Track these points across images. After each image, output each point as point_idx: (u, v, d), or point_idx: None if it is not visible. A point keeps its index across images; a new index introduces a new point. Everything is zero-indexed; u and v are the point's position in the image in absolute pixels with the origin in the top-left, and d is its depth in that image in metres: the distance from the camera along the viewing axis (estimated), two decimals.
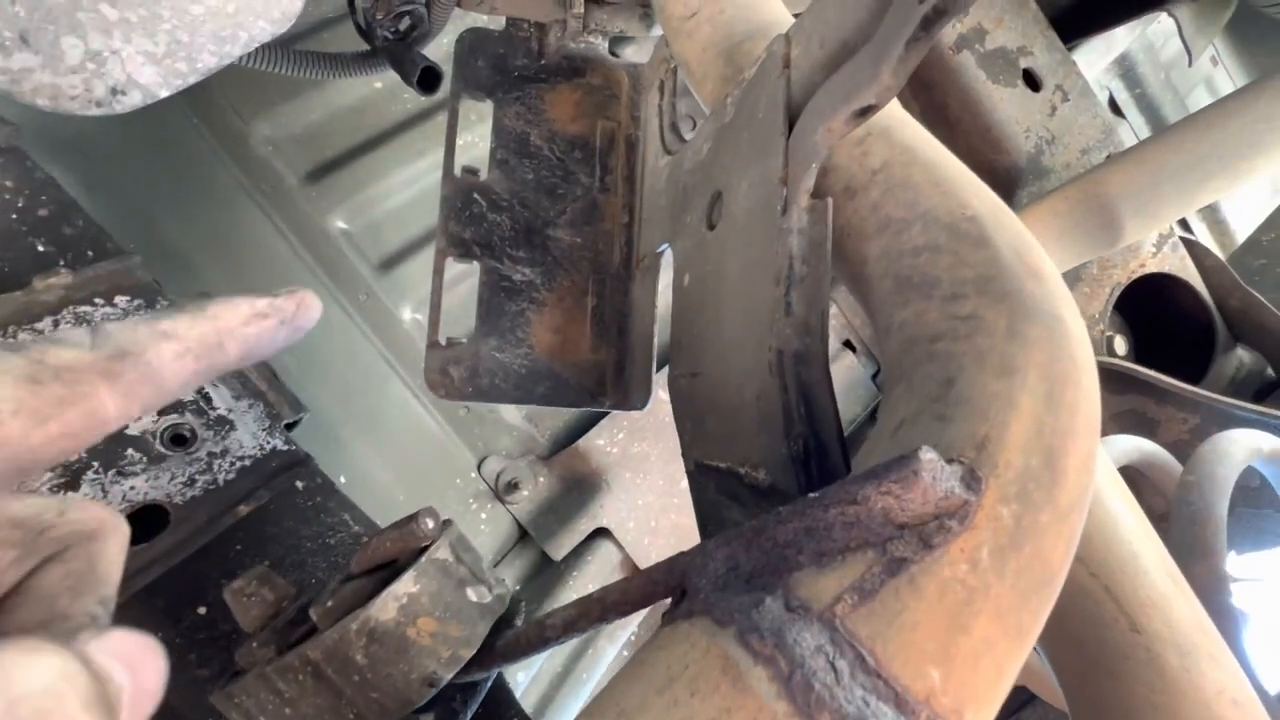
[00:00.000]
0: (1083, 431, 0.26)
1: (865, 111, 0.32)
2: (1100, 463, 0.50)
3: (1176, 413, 0.83)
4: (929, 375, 0.29)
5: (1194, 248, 0.97)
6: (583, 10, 0.66)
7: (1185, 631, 0.38)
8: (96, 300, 0.47)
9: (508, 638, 0.31)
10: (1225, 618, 0.51)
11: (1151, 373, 0.80)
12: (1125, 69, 1.61)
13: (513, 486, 0.90)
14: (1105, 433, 0.95)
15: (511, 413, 0.96)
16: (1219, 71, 1.76)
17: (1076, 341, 0.29)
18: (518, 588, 0.88)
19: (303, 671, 0.30)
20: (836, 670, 0.21)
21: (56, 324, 0.45)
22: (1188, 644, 0.37)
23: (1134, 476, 0.79)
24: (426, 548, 0.31)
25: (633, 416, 0.98)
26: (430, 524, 0.31)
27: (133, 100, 0.45)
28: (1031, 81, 0.92)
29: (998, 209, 0.34)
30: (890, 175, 0.37)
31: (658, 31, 0.70)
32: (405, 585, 0.29)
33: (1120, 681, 0.37)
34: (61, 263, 0.51)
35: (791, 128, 0.37)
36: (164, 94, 0.46)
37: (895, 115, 0.40)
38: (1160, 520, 0.74)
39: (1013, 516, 0.24)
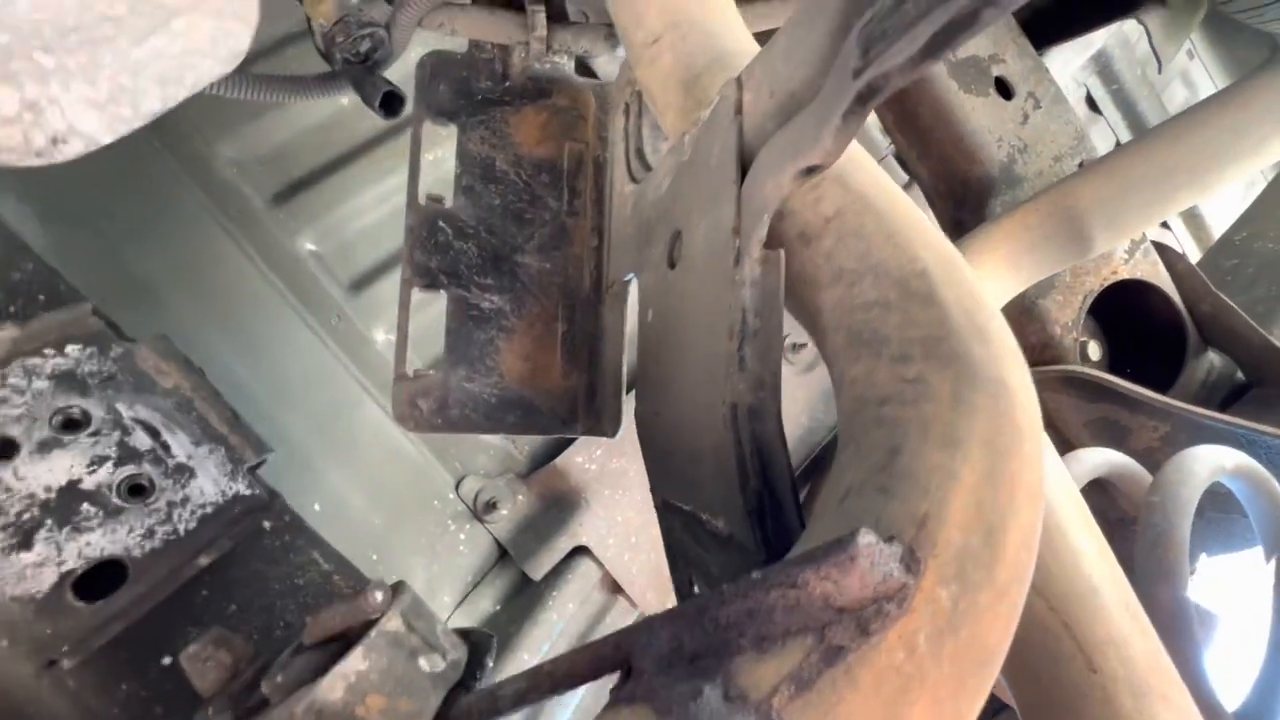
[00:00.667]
0: (1024, 505, 0.27)
1: (811, 170, 0.31)
2: (1065, 489, 0.51)
3: (1148, 420, 0.83)
4: (876, 442, 0.29)
5: (1166, 252, 0.98)
6: (546, 32, 0.65)
7: (1140, 672, 0.38)
8: (46, 351, 0.46)
9: (459, 708, 0.31)
10: (1185, 639, 0.52)
11: (1122, 382, 0.81)
12: (1101, 65, 1.61)
13: (491, 506, 0.90)
14: (1078, 440, 0.96)
15: None
16: (1195, 65, 1.77)
17: (1020, 408, 0.29)
18: (497, 608, 0.88)
19: None
20: None
21: (3, 378, 0.44)
22: (1142, 685, 0.38)
23: (1105, 485, 0.80)
24: (376, 620, 0.30)
25: None
26: (379, 596, 0.30)
27: (74, 148, 0.44)
28: (1004, 89, 0.92)
29: (948, 262, 0.34)
30: (843, 224, 0.37)
31: (622, 52, 0.69)
32: (354, 663, 0.28)
33: (1077, 719, 0.38)
34: (11, 308, 0.50)
35: (744, 175, 0.37)
36: (107, 140, 0.45)
37: (851, 158, 0.40)
38: (1130, 525, 0.75)
39: (950, 599, 0.24)
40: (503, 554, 0.91)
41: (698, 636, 0.26)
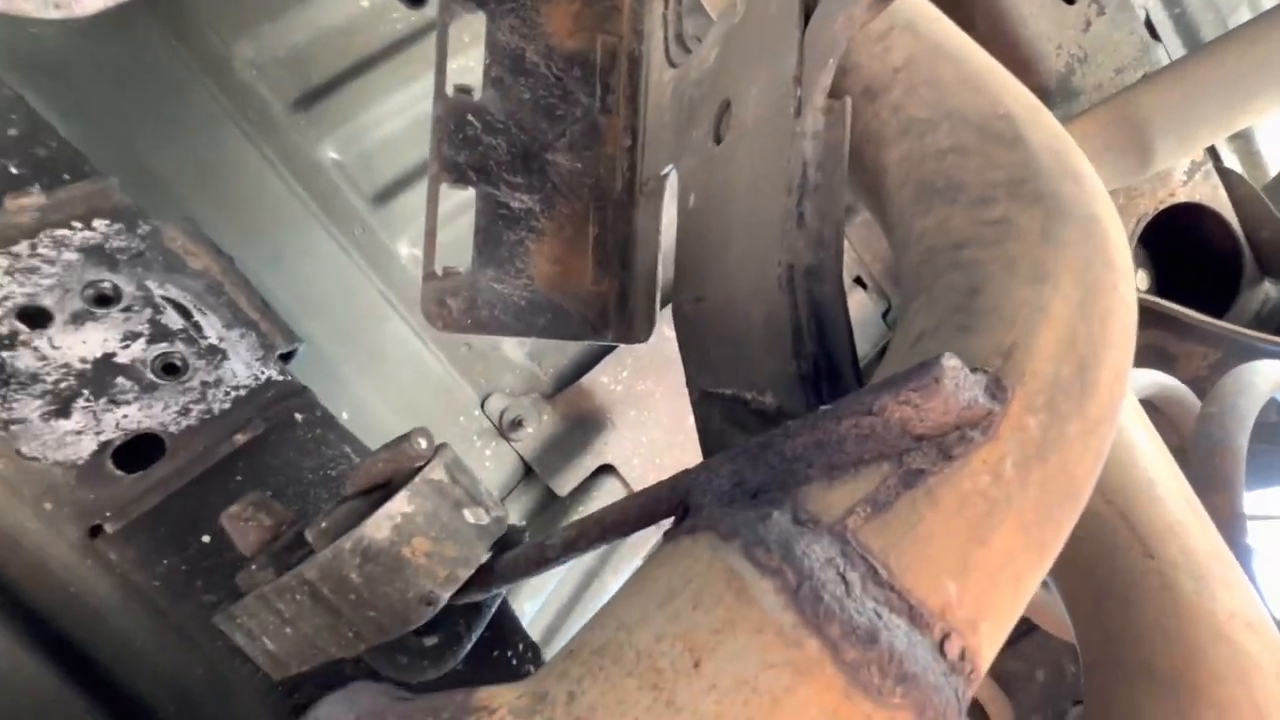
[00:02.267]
0: (1117, 341, 0.25)
1: None
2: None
3: (1197, 347, 0.80)
4: (952, 285, 0.27)
5: (1228, 176, 0.92)
6: None
7: (1200, 558, 0.37)
8: (74, 224, 0.45)
9: (507, 559, 0.31)
10: (1240, 549, 0.50)
11: (1175, 306, 0.78)
12: None
13: (517, 424, 0.90)
14: None
15: (514, 350, 0.95)
16: None
17: (1115, 245, 0.26)
18: (523, 523, 0.89)
19: (300, 591, 0.30)
20: (847, 583, 0.20)
21: (33, 247, 0.43)
22: (1202, 570, 0.36)
23: (1150, 412, 0.78)
24: (420, 468, 0.30)
25: (637, 353, 0.96)
26: (423, 443, 0.30)
27: (92, 4, 0.42)
28: None
29: (1033, 106, 0.31)
30: (914, 73, 0.34)
31: None
32: (399, 505, 0.28)
33: (1132, 607, 0.37)
34: (36, 185, 0.49)
35: (807, 21, 0.34)
36: None
37: (921, 8, 0.37)
38: (1175, 456, 0.73)
39: (1039, 427, 0.22)
40: (528, 471, 0.92)
41: (761, 471, 0.24)
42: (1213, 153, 1.35)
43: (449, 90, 0.62)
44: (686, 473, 0.27)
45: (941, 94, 0.32)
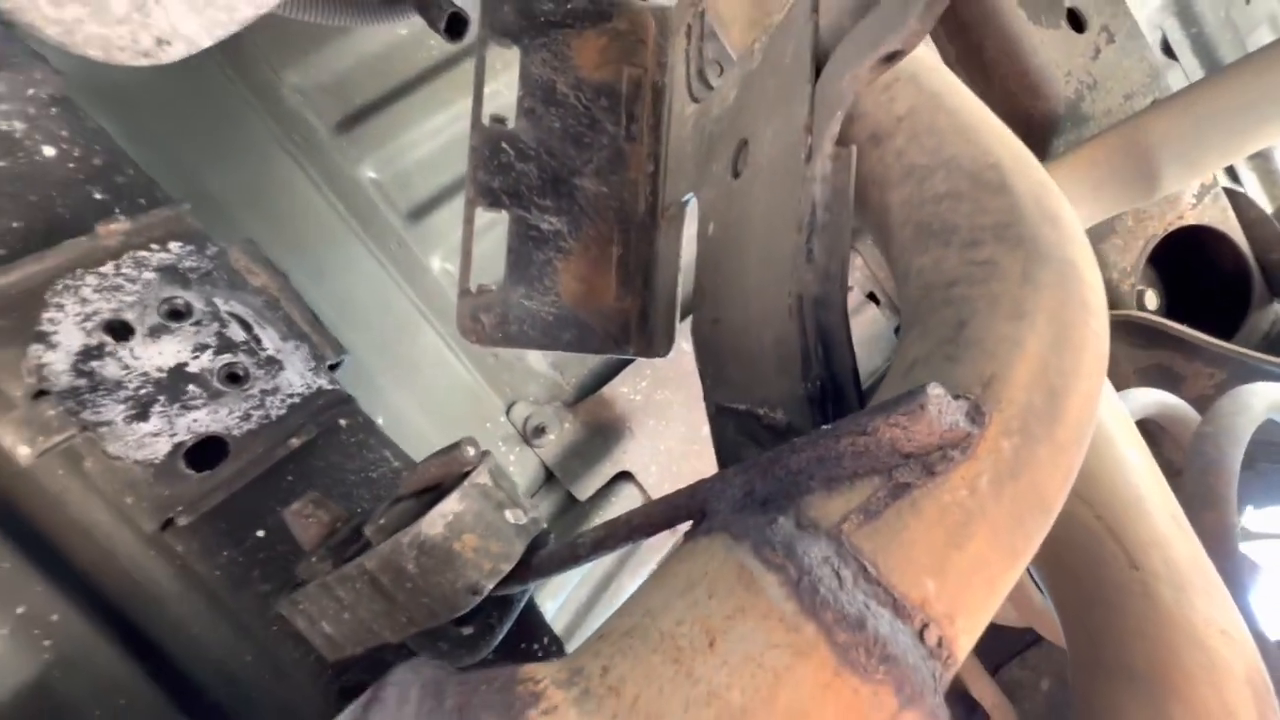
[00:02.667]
0: (1087, 372, 0.28)
1: (892, 58, 0.32)
2: (1116, 409, 0.51)
3: (1204, 368, 0.82)
4: (943, 319, 0.30)
5: (1237, 199, 0.94)
6: None
7: (1182, 569, 0.40)
8: (153, 245, 0.50)
9: (541, 555, 0.34)
10: (1232, 565, 0.52)
11: (1180, 327, 0.80)
12: (1181, 6, 1.52)
13: (540, 431, 0.94)
14: (1131, 387, 0.95)
15: (538, 361, 0.99)
16: None
17: (1088, 286, 0.30)
18: (545, 526, 0.93)
19: (360, 580, 0.34)
20: (841, 578, 0.23)
21: (118, 267, 0.48)
22: (1182, 580, 0.39)
23: (1153, 431, 0.80)
24: (468, 473, 0.33)
25: (656, 365, 1.00)
26: (472, 451, 0.33)
27: (177, 51, 0.47)
28: (1075, 22, 0.88)
29: (1020, 156, 0.35)
30: (916, 122, 0.37)
31: None
32: (451, 504, 0.32)
33: (1115, 613, 0.39)
34: (117, 209, 0.54)
35: (818, 75, 0.38)
36: (206, 43, 0.48)
37: (923, 61, 0.40)
38: (1177, 475, 0.75)
39: (1012, 449, 0.26)
40: (550, 476, 0.96)
41: (769, 482, 0.28)
42: (1230, 174, 1.36)
43: (485, 120, 0.67)
44: (703, 482, 0.31)
45: (940, 142, 0.36)
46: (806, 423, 0.37)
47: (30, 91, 0.49)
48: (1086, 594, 0.42)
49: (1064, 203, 0.33)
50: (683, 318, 0.81)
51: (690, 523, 0.31)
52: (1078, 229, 0.32)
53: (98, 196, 0.53)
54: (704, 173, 0.55)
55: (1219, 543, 0.53)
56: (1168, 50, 1.56)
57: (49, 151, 0.51)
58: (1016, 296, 0.29)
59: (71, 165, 0.53)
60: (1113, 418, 0.50)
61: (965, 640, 0.24)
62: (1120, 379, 0.93)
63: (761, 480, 0.28)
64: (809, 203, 0.36)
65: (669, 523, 0.31)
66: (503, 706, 0.22)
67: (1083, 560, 0.43)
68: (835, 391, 0.36)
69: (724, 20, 0.53)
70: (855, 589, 0.23)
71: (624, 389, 0.98)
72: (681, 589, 0.25)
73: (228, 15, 0.47)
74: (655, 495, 0.97)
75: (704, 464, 1.00)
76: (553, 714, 0.22)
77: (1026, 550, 0.26)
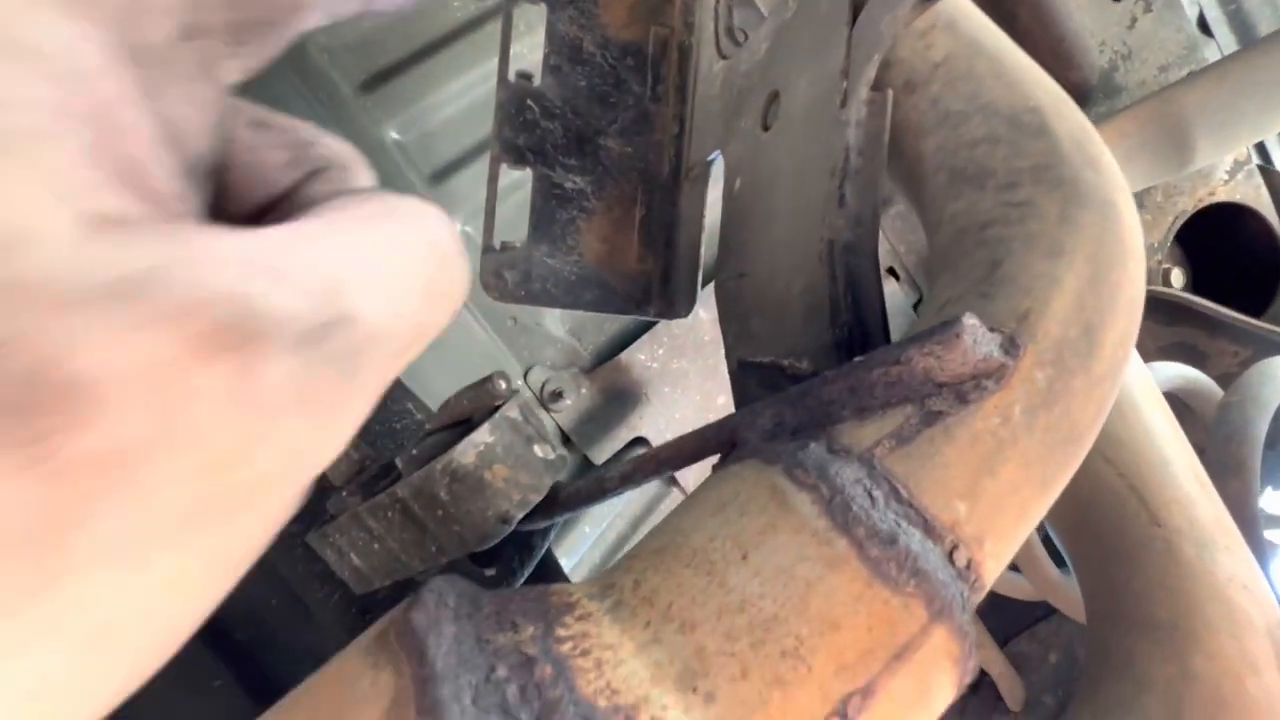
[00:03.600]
0: (1124, 310, 0.28)
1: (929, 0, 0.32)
2: (1141, 375, 0.51)
3: (1228, 345, 0.81)
4: (977, 260, 0.30)
5: (1271, 176, 0.92)
6: None
7: (1204, 527, 0.40)
8: None
9: (569, 489, 0.35)
10: (1253, 535, 0.52)
11: (1206, 302, 0.79)
12: None
13: (557, 395, 0.95)
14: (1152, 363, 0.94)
15: (556, 326, 0.99)
16: None
17: (1127, 228, 0.29)
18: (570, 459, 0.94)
19: (392, 509, 0.35)
20: (873, 498, 0.24)
21: None
22: (1205, 538, 0.39)
23: (1178, 409, 0.79)
24: (499, 406, 0.34)
25: (673, 334, 1.00)
26: (503, 385, 0.34)
27: None
28: None
29: (1060, 100, 0.34)
30: (953, 68, 0.37)
31: None
32: (483, 435, 0.32)
33: (1137, 568, 0.40)
34: None
35: (855, 19, 0.37)
36: None
37: (961, 6, 0.39)
38: (1200, 454, 0.75)
39: (1046, 380, 0.26)
40: (566, 441, 0.97)
41: (800, 413, 0.28)
42: (1261, 151, 1.33)
43: (511, 77, 0.67)
44: (733, 416, 0.31)
45: (977, 88, 0.36)
46: (833, 369, 0.37)
47: None
48: (1108, 550, 0.42)
49: (1104, 148, 0.32)
50: (704, 284, 0.81)
51: (719, 456, 0.31)
52: (1118, 173, 0.31)
53: None
54: (731, 129, 0.55)
55: (1241, 510, 0.53)
56: (1204, 27, 1.52)
57: None
58: (1054, 235, 0.29)
59: None
60: (1138, 383, 0.50)
61: (993, 564, 0.25)
62: (1143, 355, 0.92)
63: (792, 411, 0.29)
64: (842, 147, 0.36)
65: (698, 455, 0.32)
66: (538, 613, 0.23)
67: (1105, 518, 0.43)
68: (863, 337, 0.36)
69: None
70: (887, 509, 0.23)
71: (641, 356, 0.99)
72: (713, 509, 0.25)
73: None
74: None
75: None
76: (587, 620, 0.23)
77: (1058, 479, 0.26)
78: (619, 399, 0.99)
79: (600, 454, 0.95)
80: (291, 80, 0.87)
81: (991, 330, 0.26)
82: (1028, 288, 0.28)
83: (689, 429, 1.03)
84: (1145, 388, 0.50)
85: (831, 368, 0.38)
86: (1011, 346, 0.26)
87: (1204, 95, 0.74)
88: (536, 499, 0.34)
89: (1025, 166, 0.32)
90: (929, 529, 0.23)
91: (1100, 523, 0.43)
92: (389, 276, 0.18)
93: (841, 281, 0.36)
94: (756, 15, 0.63)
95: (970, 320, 0.25)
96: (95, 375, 0.12)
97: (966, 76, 0.36)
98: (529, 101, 0.67)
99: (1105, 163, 0.31)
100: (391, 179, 0.91)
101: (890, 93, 0.36)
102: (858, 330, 0.37)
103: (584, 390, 0.97)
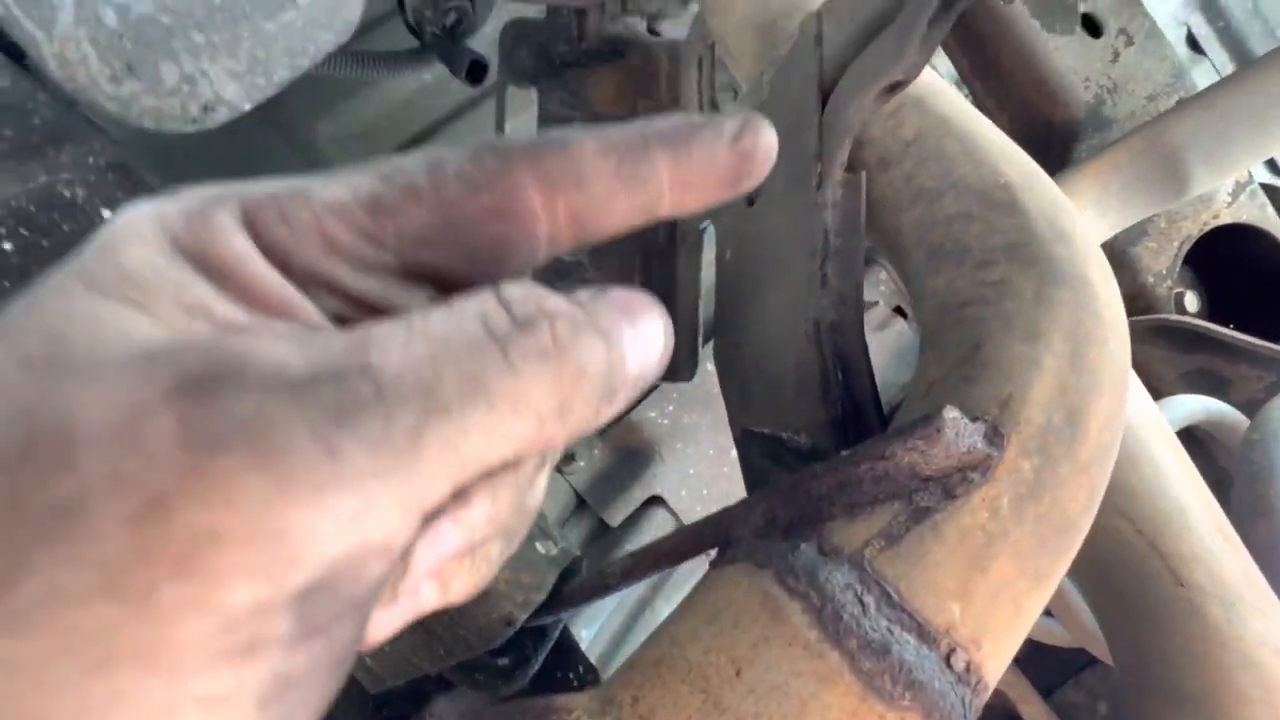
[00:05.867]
0: (1106, 390, 0.28)
1: (894, 88, 0.33)
2: (1153, 420, 0.50)
3: (1250, 370, 0.79)
4: (958, 340, 0.31)
5: (1276, 194, 0.91)
6: None
7: (1230, 585, 0.39)
8: None
9: (572, 585, 0.35)
10: None
11: (1219, 329, 0.77)
12: (1205, 1, 1.49)
13: (569, 458, 0.95)
14: (1174, 393, 0.92)
15: None
16: None
17: (1103, 302, 0.30)
18: (578, 552, 0.93)
19: None
20: (864, 604, 0.24)
21: None
22: (1232, 596, 0.38)
23: (1204, 439, 0.77)
24: None
25: (682, 389, 1.01)
26: None
27: (221, 115, 0.50)
28: (1091, 27, 0.88)
29: (1030, 175, 0.35)
30: (924, 146, 0.38)
31: (694, 8, 0.71)
32: None
33: (1163, 633, 0.38)
34: None
35: (825, 105, 0.39)
36: (247, 107, 0.51)
37: (929, 84, 0.41)
38: (1230, 485, 0.72)
39: (1033, 469, 0.26)
40: (581, 502, 0.97)
41: (791, 509, 0.28)
42: (1271, 167, 1.32)
43: None
44: (727, 510, 0.31)
45: (948, 165, 0.36)
46: (829, 446, 0.38)
47: (91, 160, 0.53)
48: (1132, 613, 0.41)
49: (1076, 220, 0.33)
50: (705, 341, 0.82)
51: (715, 550, 0.31)
52: (1092, 246, 0.32)
53: None
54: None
55: (1271, 554, 0.51)
56: (1195, 45, 1.53)
57: (106, 213, 0.55)
58: (1031, 316, 0.29)
59: None
60: (1150, 429, 0.49)
61: (994, 664, 0.24)
62: (1164, 384, 0.90)
63: (784, 507, 0.29)
64: (821, 229, 0.37)
65: (695, 550, 0.32)
66: None
67: (1127, 578, 0.42)
68: (856, 414, 0.37)
69: (733, 53, 0.54)
70: (879, 615, 0.23)
71: (651, 413, 0.99)
72: (708, 618, 0.25)
73: (265, 80, 0.50)
74: (687, 518, 0.97)
75: (734, 485, 1.00)
76: None
77: (1053, 571, 0.26)
78: (632, 458, 0.99)
79: (615, 515, 0.95)
80: (301, 169, 0.91)
81: (974, 420, 0.26)
82: (1008, 372, 0.28)
83: (704, 484, 1.03)
84: (1158, 432, 0.49)
85: (828, 444, 0.38)
86: (995, 436, 0.26)
87: (1194, 124, 0.75)
88: (540, 598, 0.34)
89: (999, 244, 0.32)
90: (923, 634, 0.23)
91: (1123, 584, 0.42)
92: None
93: (830, 360, 0.37)
94: (739, 84, 0.66)
95: (951, 414, 0.25)
96: None
97: (937, 154, 0.37)
98: None
99: (1077, 236, 0.32)
100: None
101: (864, 174, 0.37)
102: (850, 407, 0.37)
103: (596, 451, 0.97)
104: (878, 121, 0.40)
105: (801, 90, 0.41)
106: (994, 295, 0.31)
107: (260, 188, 0.18)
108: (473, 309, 0.17)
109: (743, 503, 0.30)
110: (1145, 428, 0.48)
